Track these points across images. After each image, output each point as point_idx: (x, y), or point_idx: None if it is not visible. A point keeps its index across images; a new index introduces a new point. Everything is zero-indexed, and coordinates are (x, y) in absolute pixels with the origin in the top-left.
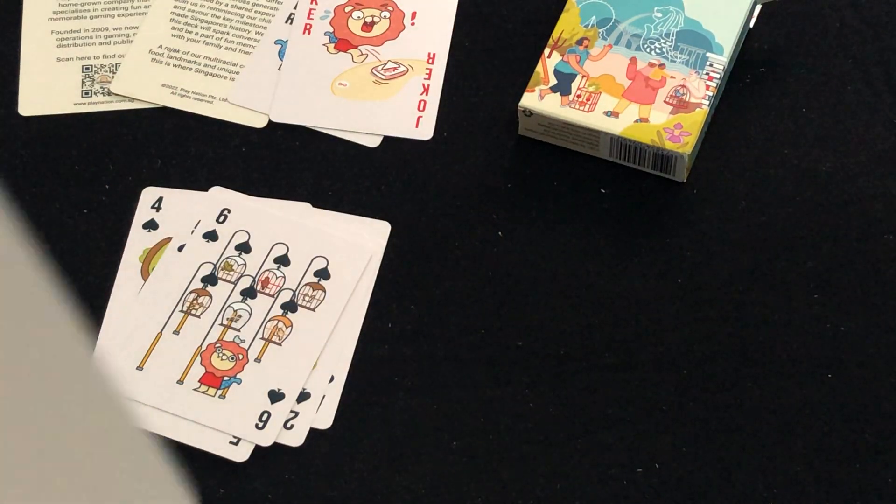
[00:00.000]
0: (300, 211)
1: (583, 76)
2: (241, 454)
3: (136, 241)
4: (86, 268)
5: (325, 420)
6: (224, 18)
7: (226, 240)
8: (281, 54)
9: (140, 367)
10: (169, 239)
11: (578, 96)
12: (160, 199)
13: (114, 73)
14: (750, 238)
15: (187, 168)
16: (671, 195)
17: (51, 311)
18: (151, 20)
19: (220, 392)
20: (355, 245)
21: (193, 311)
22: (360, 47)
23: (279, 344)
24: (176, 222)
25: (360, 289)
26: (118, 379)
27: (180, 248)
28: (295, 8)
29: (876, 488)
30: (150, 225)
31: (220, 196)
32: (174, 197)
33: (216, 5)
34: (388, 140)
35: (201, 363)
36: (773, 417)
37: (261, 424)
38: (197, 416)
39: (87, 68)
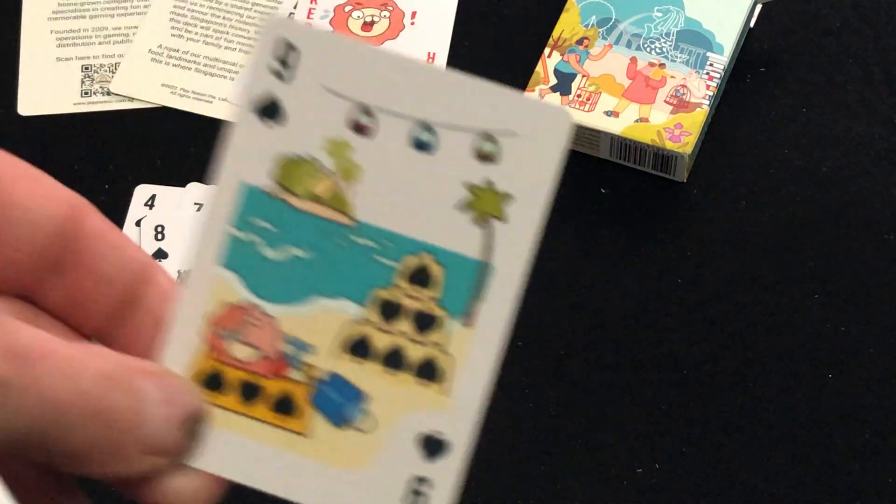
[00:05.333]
0: None
1: (583, 76)
2: None
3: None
4: None
5: None
6: (224, 18)
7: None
8: None
9: None
10: None
11: (578, 96)
12: (153, 197)
13: (113, 72)
14: (750, 238)
15: (187, 168)
16: (671, 195)
17: None
18: (151, 20)
19: None
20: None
21: None
22: None
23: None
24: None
25: None
26: None
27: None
28: (294, 7)
29: (876, 489)
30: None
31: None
32: (168, 194)
33: (216, 5)
34: None
35: None
36: (774, 418)
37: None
38: None
39: (86, 68)
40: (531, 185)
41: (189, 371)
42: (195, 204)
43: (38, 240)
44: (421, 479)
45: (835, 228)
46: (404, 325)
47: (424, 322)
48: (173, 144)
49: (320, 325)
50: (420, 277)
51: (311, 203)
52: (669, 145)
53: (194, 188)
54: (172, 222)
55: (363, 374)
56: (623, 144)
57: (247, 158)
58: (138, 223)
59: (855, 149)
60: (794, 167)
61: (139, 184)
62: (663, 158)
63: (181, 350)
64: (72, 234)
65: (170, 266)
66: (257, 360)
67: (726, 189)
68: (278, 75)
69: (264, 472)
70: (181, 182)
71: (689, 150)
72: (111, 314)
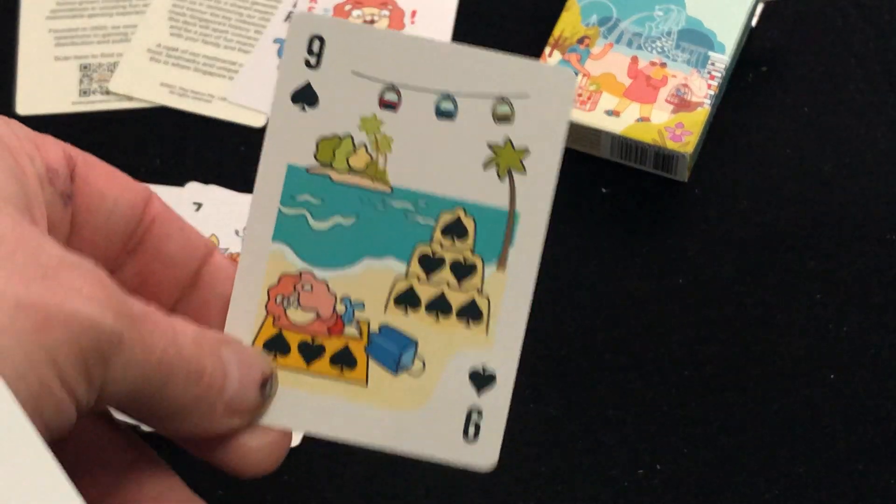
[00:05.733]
0: None
1: (583, 75)
2: None
3: None
4: None
5: None
6: (223, 17)
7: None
8: (280, 53)
9: None
10: None
11: (579, 95)
12: None
13: (112, 71)
14: (751, 238)
15: (186, 167)
16: (672, 195)
17: None
18: (150, 19)
19: None
20: None
21: None
22: None
23: None
24: None
25: None
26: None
27: None
28: (294, 6)
29: (878, 490)
30: None
31: (200, 191)
32: (166, 193)
33: (215, 4)
34: None
35: None
36: (775, 418)
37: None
38: None
39: (84, 67)
40: (545, 139)
41: (254, 338)
42: (194, 203)
43: (117, 225)
44: (475, 411)
45: (837, 228)
46: (445, 275)
47: (463, 269)
48: (172, 144)
49: (369, 283)
50: (455, 230)
51: (350, 175)
52: (671, 145)
53: (193, 187)
54: None
55: (412, 323)
56: (624, 144)
57: (288, 142)
58: None
59: (857, 148)
60: (796, 167)
61: None
62: (664, 158)
63: (245, 320)
64: (143, 220)
65: None
66: (315, 322)
67: (728, 189)
68: (309, 64)
69: (331, 421)
70: (180, 181)
71: (690, 149)
72: (176, 292)
